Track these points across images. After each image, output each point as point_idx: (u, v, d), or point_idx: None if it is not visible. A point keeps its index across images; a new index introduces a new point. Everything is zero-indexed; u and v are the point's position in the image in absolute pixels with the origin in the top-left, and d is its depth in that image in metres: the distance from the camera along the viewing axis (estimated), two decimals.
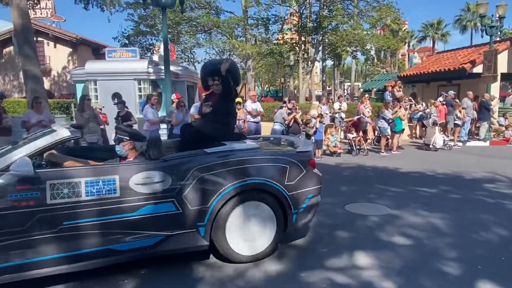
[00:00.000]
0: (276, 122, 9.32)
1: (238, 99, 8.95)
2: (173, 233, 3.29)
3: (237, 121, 8.37)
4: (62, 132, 3.30)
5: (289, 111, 9.59)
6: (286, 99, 11.45)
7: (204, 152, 3.59)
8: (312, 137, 9.80)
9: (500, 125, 14.05)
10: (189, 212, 3.30)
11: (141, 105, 9.45)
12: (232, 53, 23.62)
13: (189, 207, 3.29)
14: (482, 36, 15.08)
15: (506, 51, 15.29)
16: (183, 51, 24.09)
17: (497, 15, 14.49)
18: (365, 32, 20.50)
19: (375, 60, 33.29)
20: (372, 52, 26.83)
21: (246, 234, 3.56)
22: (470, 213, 5.10)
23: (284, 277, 3.34)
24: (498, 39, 17.44)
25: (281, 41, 22.41)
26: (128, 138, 3.64)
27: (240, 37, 22.46)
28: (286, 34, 24.06)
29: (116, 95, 10.73)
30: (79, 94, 10.89)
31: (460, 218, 4.87)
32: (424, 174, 7.71)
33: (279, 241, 3.75)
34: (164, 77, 9.64)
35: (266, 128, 9.91)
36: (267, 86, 43.31)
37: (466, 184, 6.86)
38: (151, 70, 10.94)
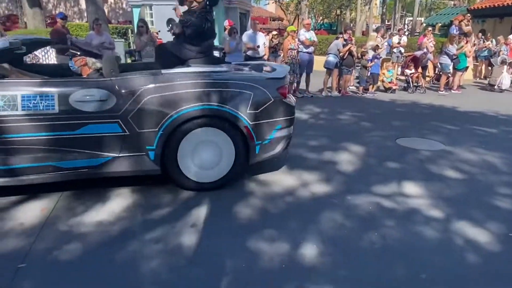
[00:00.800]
0: (329, 53, 8.91)
1: (291, 27, 8.59)
2: (120, 155, 3.18)
3: (291, 51, 8.14)
4: None
5: (344, 42, 9.08)
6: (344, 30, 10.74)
7: (158, 73, 3.32)
8: (368, 70, 9.35)
9: None
10: (136, 134, 3.14)
11: None
12: None
13: (137, 130, 3.13)
14: None
15: None
16: None
17: None
18: None
19: None
20: None
21: (201, 161, 3.39)
22: None
23: (331, 198, 3.43)
24: None
25: None
26: (79, 54, 3.52)
27: None
28: None
29: (170, 21, 10.69)
30: (135, 19, 10.99)
31: None
32: (485, 114, 7.20)
33: (239, 172, 3.53)
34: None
35: (320, 61, 9.56)
36: (321, 18, 40.83)
37: None
38: None
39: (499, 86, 10.43)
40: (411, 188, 3.66)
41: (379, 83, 10.00)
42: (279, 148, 3.65)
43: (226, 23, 8.77)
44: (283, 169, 4.10)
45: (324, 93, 9.15)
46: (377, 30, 11.52)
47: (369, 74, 9.36)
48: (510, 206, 3.31)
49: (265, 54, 9.17)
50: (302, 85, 9.04)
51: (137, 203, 3.24)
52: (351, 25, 23.56)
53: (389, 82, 9.89)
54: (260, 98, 3.41)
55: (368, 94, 9.43)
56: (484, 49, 12.62)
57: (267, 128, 3.49)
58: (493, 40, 12.67)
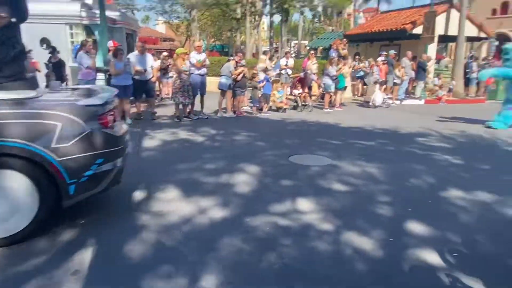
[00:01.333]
0: (222, 75, 9.15)
1: (181, 50, 8.61)
2: None
3: (182, 74, 8.11)
4: None
5: (239, 64, 9.44)
6: (235, 52, 11.21)
7: None
8: (260, 91, 9.83)
9: (434, 85, 15.08)
10: None
11: (74, 52, 8.72)
12: (175, 2, 22.29)
13: None
14: None
15: (444, 14, 16.11)
16: None
17: None
18: None
19: (322, 17, 33.41)
20: (320, 9, 26.87)
21: None
22: (403, 163, 5.53)
23: (229, 222, 3.43)
24: (437, 1, 18.25)
25: None
26: None
27: None
28: None
29: (44, 41, 9.77)
30: None
31: (394, 168, 5.27)
32: (363, 129, 8.16)
33: (47, 217, 3.01)
34: (99, 22, 8.89)
35: (215, 82, 9.72)
36: (213, 40, 41.97)
37: (401, 138, 7.39)
38: (84, 14, 10.02)
39: (373, 103, 11.98)
40: (304, 204, 3.89)
41: (271, 103, 10.60)
42: (103, 184, 3.21)
43: (110, 43, 8.35)
44: (179, 197, 3.98)
45: (219, 114, 9.31)
46: (265, 53, 12.28)
47: (261, 95, 9.85)
48: (388, 213, 3.75)
49: (153, 76, 8.98)
50: (197, 107, 9.05)
51: (3, 253, 2.76)
52: (242, 47, 24.71)
53: (280, 102, 10.55)
54: (71, 129, 2.95)
55: (262, 113, 9.89)
56: (359, 70, 14.42)
57: (84, 164, 3.02)
58: (366, 62, 14.57)
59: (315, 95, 12.36)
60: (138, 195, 4.00)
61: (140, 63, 7.98)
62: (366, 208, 3.85)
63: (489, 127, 8.46)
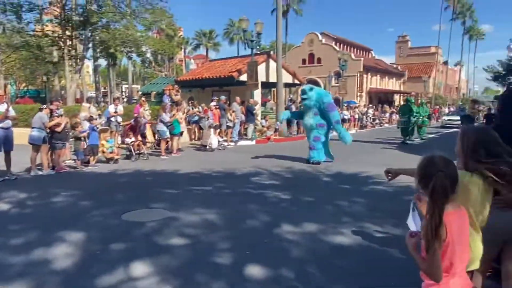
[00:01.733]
0: (34, 127, 8.03)
1: None
2: None
3: None
4: None
5: (55, 113, 8.46)
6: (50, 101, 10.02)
7: None
8: (85, 142, 9.01)
9: (262, 126, 16.82)
10: None
11: None
12: None
13: None
14: (245, 49, 17.74)
15: (264, 63, 18.46)
16: None
17: (256, 31, 17.31)
18: (139, 34, 20.52)
19: (152, 63, 33.83)
20: (148, 55, 27.16)
21: None
22: (240, 205, 5.80)
23: None
24: (258, 52, 20.83)
25: (40, 33, 19.63)
26: None
27: None
28: (47, 25, 21.30)
29: None
30: None
31: (232, 211, 5.46)
32: (202, 174, 8.32)
33: None
34: None
35: (23, 135, 8.43)
36: (24, 84, 37.12)
37: (236, 179, 7.81)
38: None
39: (210, 146, 12.46)
40: (139, 268, 3.57)
41: (100, 154, 9.83)
42: None
43: None
44: None
45: (33, 172, 8.07)
46: (88, 100, 11.49)
47: (86, 146, 9.04)
48: (228, 261, 3.78)
49: None
50: (3, 166, 7.63)
51: None
52: (63, 92, 22.61)
53: (111, 153, 9.88)
54: None
55: (89, 167, 9.04)
56: (194, 114, 14.93)
57: None
58: (200, 107, 15.23)
59: (150, 142, 12.11)
60: None
61: None
62: (207, 260, 3.80)
63: (310, 162, 9.77)
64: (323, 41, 40.40)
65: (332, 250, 4.08)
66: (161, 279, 3.36)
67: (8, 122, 7.41)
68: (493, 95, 47.96)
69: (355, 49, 45.59)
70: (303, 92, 9.79)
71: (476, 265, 2.04)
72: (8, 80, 33.59)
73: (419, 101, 18.46)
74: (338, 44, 41.64)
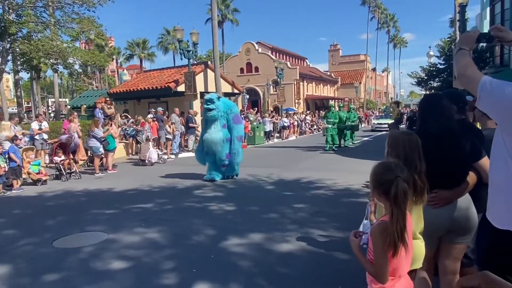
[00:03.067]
0: None
1: None
2: None
3: None
4: None
5: None
6: None
7: None
8: (6, 165, 8.25)
9: None
10: None
11: None
12: None
13: None
14: (181, 59, 17.46)
15: (202, 73, 18.36)
16: None
17: (192, 41, 17.20)
18: (65, 45, 19.40)
19: (81, 75, 32.10)
20: (77, 67, 25.79)
21: None
22: (184, 220, 5.65)
23: None
24: (195, 62, 20.70)
25: None
26: None
27: None
28: None
29: None
30: None
31: (175, 228, 5.30)
32: (141, 190, 8.00)
33: None
34: None
35: None
36: None
37: (179, 193, 7.61)
38: None
39: (149, 160, 12.04)
40: None
41: (25, 176, 9.07)
42: None
43: None
44: None
45: None
46: (11, 118, 10.59)
47: (7, 169, 8.29)
48: (173, 281, 3.64)
49: None
50: None
51: None
52: None
53: (37, 173, 9.16)
54: None
55: (13, 191, 8.29)
56: (130, 127, 14.37)
57: None
58: (133, 120, 14.72)
59: (82, 160, 11.43)
60: None
61: None
62: (151, 282, 3.63)
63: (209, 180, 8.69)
64: (260, 50, 41.25)
65: (279, 259, 4.11)
66: None
67: None
68: (417, 98, 52.29)
69: (290, 58, 47.14)
70: (210, 100, 8.49)
71: (418, 265, 2.15)
72: None
73: (348, 106, 19.16)
74: (274, 53, 42.78)
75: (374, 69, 60.39)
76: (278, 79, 26.29)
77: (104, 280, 3.70)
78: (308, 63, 52.35)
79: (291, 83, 37.81)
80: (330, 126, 14.79)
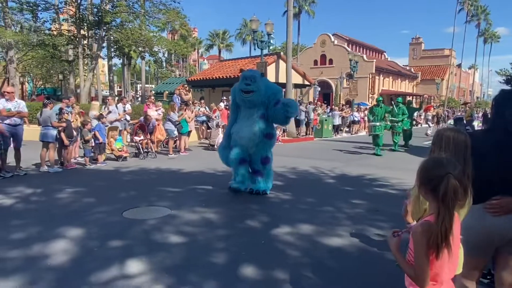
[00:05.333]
0: (45, 126, 8.11)
1: None
2: None
3: None
4: None
5: (64, 111, 8.54)
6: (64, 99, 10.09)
7: None
8: (92, 140, 9.08)
9: None
10: None
11: None
12: None
13: None
14: (254, 49, 17.66)
15: (274, 64, 18.40)
16: None
17: (266, 32, 17.26)
18: (152, 34, 20.66)
19: (164, 63, 33.97)
20: (161, 55, 27.34)
21: None
22: (240, 205, 5.76)
23: None
24: (269, 52, 20.81)
25: (56, 32, 19.95)
26: None
27: None
28: (63, 25, 21.63)
29: None
30: None
31: (231, 211, 5.43)
32: (206, 173, 8.31)
33: None
34: None
35: (35, 132, 8.55)
36: (41, 82, 37.77)
37: None
38: None
39: (218, 146, 12.43)
40: (134, 266, 3.56)
41: (110, 152, 9.91)
42: None
43: None
44: None
45: (42, 168, 8.16)
46: (105, 99, 11.58)
47: (94, 144, 9.11)
48: (223, 261, 3.74)
49: None
50: (12, 162, 7.76)
51: None
52: (77, 90, 22.92)
53: (120, 150, 9.95)
54: None
55: (98, 164, 9.11)
56: (201, 114, 14.95)
57: None
58: (206, 107, 15.26)
59: (159, 140, 12.16)
60: None
61: None
62: (202, 259, 3.77)
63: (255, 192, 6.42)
64: (335, 42, 40.08)
65: (329, 253, 4.01)
66: (154, 278, 3.34)
67: (16, 120, 7.50)
68: None
69: (367, 51, 45.18)
70: (251, 78, 6.18)
71: (459, 270, 1.96)
72: (26, 79, 34.25)
73: (407, 101, 16.57)
74: (350, 45, 41.31)
75: (459, 65, 55.50)
76: (352, 72, 25.38)
77: (160, 251, 3.92)
78: (387, 57, 49.73)
79: (366, 76, 36.32)
80: (378, 124, 11.79)
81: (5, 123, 7.23)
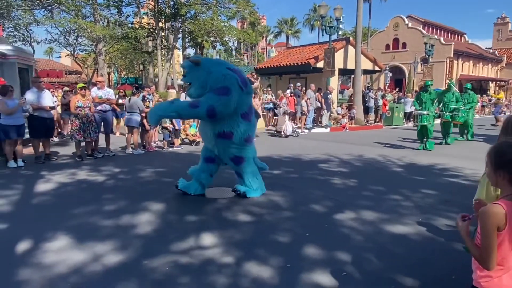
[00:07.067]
0: (131, 112, 8.91)
1: (81, 85, 8.27)
2: None
3: (80, 109, 7.74)
4: None
5: (147, 98, 9.32)
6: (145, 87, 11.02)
7: None
8: (171, 126, 9.77)
9: (338, 114, 16.49)
10: None
11: None
12: (79, 35, 21.46)
13: None
14: (323, 35, 17.37)
15: (342, 50, 17.94)
16: (15, 27, 20.78)
17: (335, 17, 16.86)
18: (222, 24, 21.26)
19: (234, 51, 34.70)
20: (231, 44, 28.00)
21: None
22: (305, 189, 5.89)
23: (125, 267, 3.29)
24: (335, 39, 20.29)
25: (137, 25, 21.44)
26: None
27: (88, 17, 20.59)
28: (143, 18, 23.13)
29: None
30: None
31: (296, 195, 5.58)
32: (273, 158, 8.54)
33: None
34: None
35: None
36: (124, 73, 40.92)
37: (305, 165, 7.87)
38: None
39: (284, 133, 12.64)
40: (207, 239, 3.91)
41: (185, 136, 10.58)
42: None
43: None
44: (70, 245, 3.72)
45: (128, 150, 9.01)
46: (181, 87, 12.32)
47: (171, 130, 9.80)
48: (288, 240, 3.94)
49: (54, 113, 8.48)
50: (103, 144, 8.69)
51: None
52: (156, 79, 24.50)
53: (193, 135, 10.59)
54: None
55: (174, 148, 9.81)
56: (269, 102, 15.20)
57: None
58: (272, 95, 15.45)
59: None
60: (20, 247, 3.65)
61: (37, 100, 7.46)
62: (268, 237, 4.00)
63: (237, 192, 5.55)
64: (410, 25, 37.68)
65: (393, 239, 4.00)
66: (225, 250, 3.64)
67: (106, 106, 8.36)
68: None
69: (445, 33, 41.87)
70: (186, 68, 5.09)
71: None
72: (112, 69, 37.31)
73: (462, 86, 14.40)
74: (426, 27, 38.59)
75: None
76: (427, 56, 23.78)
77: (230, 228, 4.23)
78: (467, 39, 45.62)
79: (443, 61, 33.74)
80: (425, 113, 9.72)
81: (97, 109, 8.11)
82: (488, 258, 1.62)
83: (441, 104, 10.72)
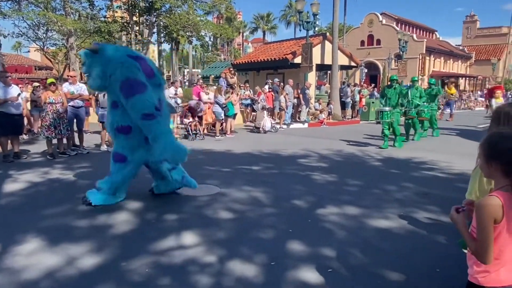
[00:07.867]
0: (103, 107, 8.59)
1: (51, 79, 7.90)
2: None
3: (51, 105, 7.40)
4: None
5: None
6: None
7: None
8: None
9: (316, 109, 16.55)
10: None
11: None
12: (49, 28, 20.63)
13: None
14: (300, 30, 17.35)
15: (319, 45, 17.99)
16: None
17: (312, 12, 16.86)
18: (198, 18, 20.93)
19: (210, 47, 34.33)
20: (207, 39, 27.66)
21: None
22: (286, 185, 5.83)
23: (102, 270, 3.12)
24: (315, 34, 20.33)
25: (110, 19, 20.80)
26: None
27: (59, 11, 19.80)
28: (117, 12, 22.47)
29: None
30: None
31: (278, 190, 5.51)
32: (252, 154, 8.44)
33: None
34: None
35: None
36: None
37: (285, 160, 7.82)
38: None
39: (263, 128, 12.56)
40: (188, 238, 3.78)
41: None
42: None
43: None
44: (42, 247, 3.51)
45: (103, 147, 8.70)
46: (172, 82, 12.00)
47: None
48: (271, 236, 3.86)
49: (23, 109, 8.06)
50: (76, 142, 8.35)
51: None
52: None
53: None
54: None
55: None
56: (247, 98, 15.07)
57: None
58: (250, 91, 15.33)
59: (208, 123, 12.45)
60: None
61: (5, 96, 7.05)
62: (251, 234, 3.90)
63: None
64: (384, 21, 38.35)
65: (376, 233, 3.99)
66: (207, 249, 3.52)
67: (78, 102, 8.01)
68: None
69: (418, 30, 42.85)
70: (84, 57, 4.59)
71: None
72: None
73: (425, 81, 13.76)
74: (399, 24, 39.36)
75: None
76: (401, 53, 24.26)
77: (212, 226, 4.11)
78: (438, 36, 46.87)
79: (415, 57, 34.59)
80: (387, 109, 9.25)
81: (69, 105, 7.77)
82: (485, 252, 1.58)
83: (406, 100, 10.25)
